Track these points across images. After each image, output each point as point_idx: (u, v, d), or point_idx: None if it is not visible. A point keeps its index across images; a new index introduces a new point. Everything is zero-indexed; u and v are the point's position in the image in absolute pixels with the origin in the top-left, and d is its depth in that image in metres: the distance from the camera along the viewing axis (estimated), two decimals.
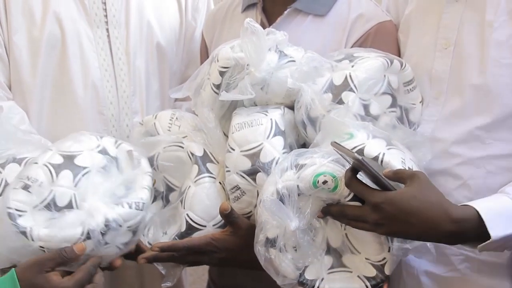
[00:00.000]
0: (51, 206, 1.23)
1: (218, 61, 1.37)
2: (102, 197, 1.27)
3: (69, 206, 1.24)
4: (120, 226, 1.25)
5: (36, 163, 1.27)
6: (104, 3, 1.66)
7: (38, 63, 1.61)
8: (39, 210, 1.23)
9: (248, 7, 1.60)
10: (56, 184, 1.25)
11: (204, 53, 1.69)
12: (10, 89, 1.63)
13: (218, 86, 1.37)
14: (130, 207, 1.26)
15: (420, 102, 1.41)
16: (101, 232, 1.23)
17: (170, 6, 1.76)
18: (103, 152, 1.33)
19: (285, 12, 1.54)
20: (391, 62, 1.36)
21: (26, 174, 1.26)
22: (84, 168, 1.28)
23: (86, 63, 1.63)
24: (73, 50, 1.62)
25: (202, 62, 1.65)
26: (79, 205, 1.24)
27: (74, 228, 1.22)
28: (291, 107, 1.40)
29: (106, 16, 1.66)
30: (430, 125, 1.39)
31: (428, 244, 1.29)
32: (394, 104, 1.38)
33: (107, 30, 1.66)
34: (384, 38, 1.48)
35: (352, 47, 1.48)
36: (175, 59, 1.76)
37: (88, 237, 1.22)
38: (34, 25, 1.60)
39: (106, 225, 1.23)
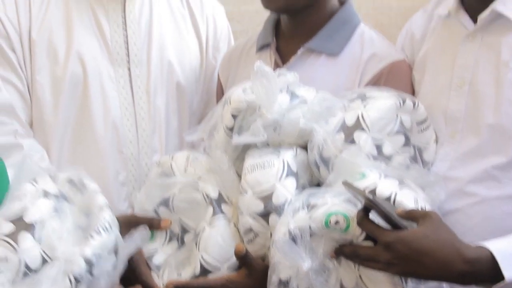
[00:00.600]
0: (28, 272, 1.21)
1: (230, 103, 1.37)
2: (69, 239, 1.25)
3: (44, 262, 1.22)
4: (101, 256, 1.22)
5: None
6: (127, 42, 1.67)
7: (60, 101, 1.62)
8: (18, 283, 1.21)
9: (262, 47, 1.60)
10: (20, 251, 1.22)
11: (220, 93, 1.69)
12: (31, 126, 1.64)
13: (231, 129, 1.37)
14: (100, 233, 1.24)
15: (434, 141, 1.39)
16: (88, 272, 1.20)
17: (191, 45, 1.76)
18: (46, 195, 1.30)
19: (299, 51, 1.54)
20: (404, 102, 1.35)
21: None
22: (37, 222, 1.25)
23: (107, 102, 1.64)
24: (95, 88, 1.63)
25: (218, 102, 1.65)
26: (52, 256, 1.22)
27: (61, 280, 1.19)
28: (305, 147, 1.39)
29: (128, 54, 1.67)
30: (445, 164, 1.37)
31: (444, 284, 1.27)
32: (407, 143, 1.36)
33: (129, 68, 1.67)
34: (398, 77, 1.47)
35: (365, 86, 1.47)
36: (195, 97, 1.77)
37: (78, 281, 1.19)
38: (57, 64, 1.62)
39: (88, 264, 1.20)
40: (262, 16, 1.94)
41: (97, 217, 1.27)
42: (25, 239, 1.23)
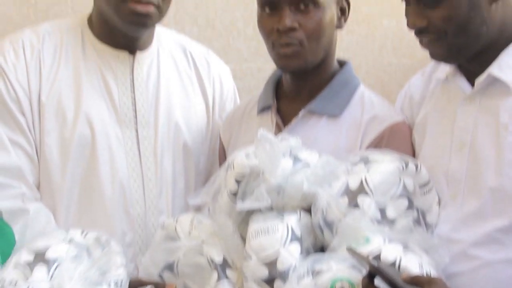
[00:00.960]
0: None
1: (234, 168, 1.38)
2: (78, 282, 1.28)
3: None
4: None
5: (9, 265, 1.30)
6: (134, 104, 1.69)
7: (67, 163, 1.63)
8: None
9: (263, 109, 1.61)
10: (31, 280, 1.27)
11: (222, 154, 1.70)
12: (38, 188, 1.64)
13: (235, 194, 1.37)
14: (110, 286, 1.27)
15: (436, 204, 1.39)
16: None
17: (198, 106, 1.78)
18: (72, 242, 1.36)
19: (300, 114, 1.55)
20: (406, 165, 1.35)
21: (1, 277, 1.29)
22: (56, 260, 1.31)
23: (114, 163, 1.65)
24: (102, 150, 1.64)
25: (220, 163, 1.67)
26: None
27: None
28: (308, 210, 1.39)
29: (135, 116, 1.69)
30: (447, 225, 1.36)
31: None
32: (410, 206, 1.36)
33: (136, 130, 1.68)
34: (399, 138, 1.48)
35: (367, 148, 1.48)
36: (201, 158, 1.77)
37: None
38: (66, 126, 1.63)
39: None
40: (264, 73, 1.97)
41: (113, 272, 1.31)
42: (39, 271, 1.30)
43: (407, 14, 1.39)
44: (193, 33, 2.19)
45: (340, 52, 1.58)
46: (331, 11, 1.52)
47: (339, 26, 1.56)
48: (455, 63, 1.41)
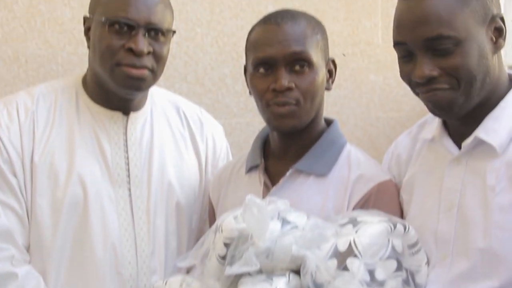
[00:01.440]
0: None
1: (222, 231, 1.37)
2: None
3: None
4: None
5: None
6: (127, 163, 1.69)
7: (59, 223, 1.62)
8: None
9: (251, 169, 1.61)
10: None
11: (212, 214, 1.69)
12: (28, 250, 1.63)
13: (223, 257, 1.36)
14: None
15: (425, 264, 1.38)
16: None
17: (191, 165, 1.78)
18: None
19: (288, 173, 1.55)
20: (395, 226, 1.35)
21: None
22: None
23: (106, 223, 1.64)
24: (95, 210, 1.63)
25: (210, 223, 1.66)
26: None
27: None
28: (297, 271, 1.38)
29: (128, 175, 1.68)
30: (437, 286, 1.35)
31: None
32: (399, 267, 1.35)
33: (129, 189, 1.68)
34: (386, 197, 1.49)
35: (354, 207, 1.48)
36: (194, 216, 1.77)
37: None
38: (58, 186, 1.62)
39: None
40: (253, 128, 1.98)
41: None
42: None
43: (406, 69, 1.36)
44: (182, 89, 2.20)
45: (328, 106, 1.59)
46: (322, 72, 1.54)
47: (328, 87, 1.58)
48: (455, 118, 1.38)
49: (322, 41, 1.55)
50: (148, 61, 1.62)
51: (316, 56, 1.51)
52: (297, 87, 1.49)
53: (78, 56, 2.12)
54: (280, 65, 1.49)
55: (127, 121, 1.71)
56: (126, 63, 1.61)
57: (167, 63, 1.69)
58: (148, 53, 1.61)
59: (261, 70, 1.52)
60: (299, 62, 1.49)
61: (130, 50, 1.60)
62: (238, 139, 2.22)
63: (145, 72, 1.62)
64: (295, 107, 1.50)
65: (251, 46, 1.54)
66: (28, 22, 2.12)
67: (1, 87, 2.10)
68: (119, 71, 1.61)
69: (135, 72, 1.61)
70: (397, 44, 1.37)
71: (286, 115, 1.50)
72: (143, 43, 1.60)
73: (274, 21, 1.52)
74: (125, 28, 1.60)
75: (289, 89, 1.49)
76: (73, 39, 2.13)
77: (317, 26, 1.55)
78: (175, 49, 2.14)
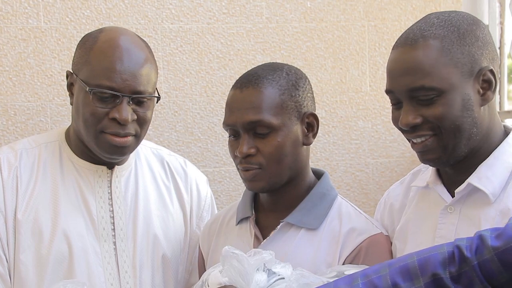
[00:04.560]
0: None
1: (208, 286, 1.31)
2: None
3: None
4: None
5: None
6: (112, 217, 1.63)
7: (44, 279, 1.55)
8: None
9: (242, 220, 1.55)
10: None
11: (202, 265, 1.63)
12: None
13: None
14: None
15: None
16: None
17: (176, 216, 1.72)
18: None
19: (278, 226, 1.49)
20: None
21: None
22: None
23: (92, 278, 1.57)
24: (80, 265, 1.57)
25: (199, 273, 1.60)
26: None
27: None
28: None
29: (113, 229, 1.62)
30: None
31: None
32: None
33: (114, 243, 1.62)
34: (377, 251, 1.44)
35: (345, 260, 1.43)
36: (180, 268, 1.70)
37: None
38: (42, 242, 1.56)
39: None
40: None
41: None
42: None
43: (395, 115, 1.36)
44: (172, 138, 2.16)
45: (317, 153, 1.54)
46: (292, 131, 1.47)
47: (307, 143, 1.50)
48: (445, 166, 1.36)
49: (294, 98, 1.47)
50: (132, 127, 1.57)
51: (280, 119, 1.45)
52: (260, 151, 1.45)
53: (67, 108, 2.07)
54: (243, 132, 1.46)
55: (111, 174, 1.64)
56: (110, 132, 1.55)
57: (156, 113, 1.65)
58: (133, 120, 1.56)
59: (231, 135, 1.49)
60: (258, 127, 1.45)
61: (114, 119, 1.55)
62: (227, 188, 2.18)
63: (129, 139, 1.58)
64: (259, 171, 1.45)
65: (225, 109, 1.51)
66: (17, 75, 2.09)
67: None
68: (103, 138, 1.56)
69: (118, 140, 1.56)
70: (387, 92, 1.37)
71: (251, 179, 1.47)
72: (127, 113, 1.54)
73: (239, 86, 1.49)
74: (110, 96, 1.55)
75: (250, 155, 1.44)
76: (62, 91, 2.09)
77: (287, 84, 1.48)
78: (164, 99, 2.10)
